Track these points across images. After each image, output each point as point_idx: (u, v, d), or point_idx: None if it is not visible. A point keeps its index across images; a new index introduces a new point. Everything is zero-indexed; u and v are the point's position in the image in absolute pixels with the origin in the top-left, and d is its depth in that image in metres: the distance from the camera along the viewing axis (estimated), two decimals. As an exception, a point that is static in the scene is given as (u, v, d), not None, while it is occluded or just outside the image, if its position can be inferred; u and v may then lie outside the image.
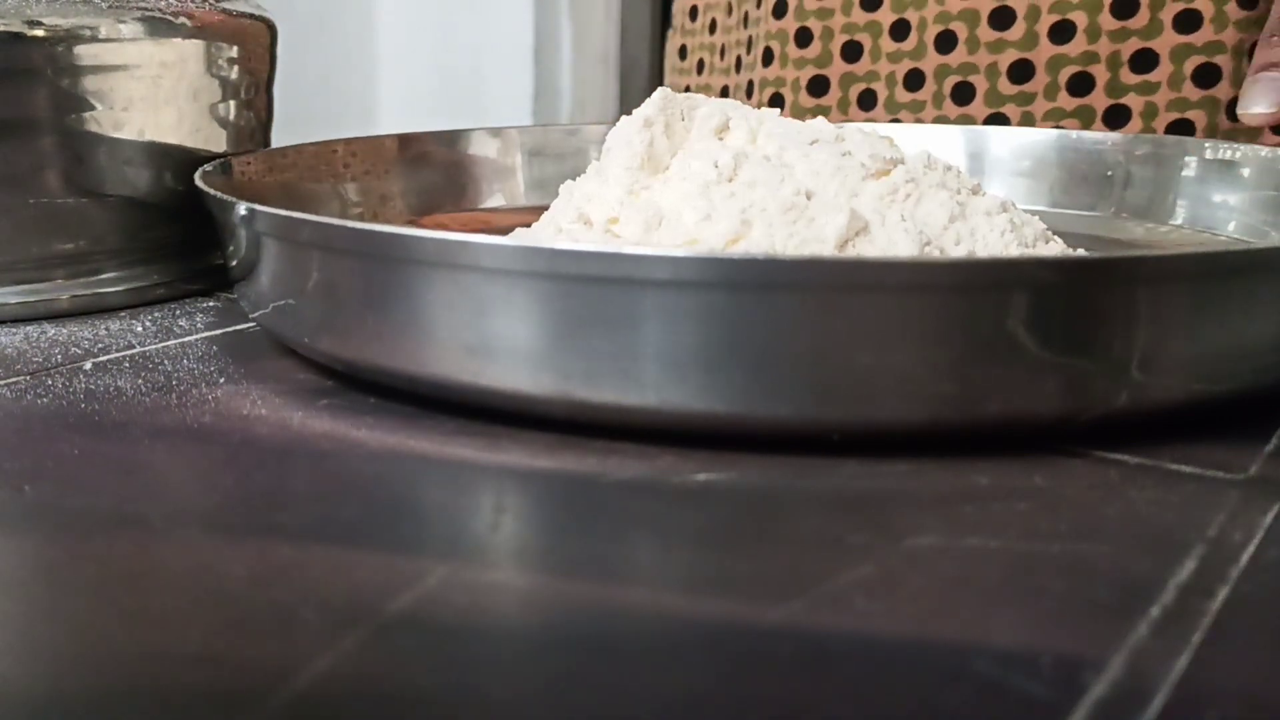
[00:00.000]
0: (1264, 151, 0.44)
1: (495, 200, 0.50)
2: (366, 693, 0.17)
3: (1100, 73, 0.58)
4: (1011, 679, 0.17)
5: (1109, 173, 0.48)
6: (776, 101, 0.67)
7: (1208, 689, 0.17)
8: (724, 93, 0.73)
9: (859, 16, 0.63)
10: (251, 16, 0.42)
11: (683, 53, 0.76)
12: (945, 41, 0.60)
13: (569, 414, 0.27)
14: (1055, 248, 0.34)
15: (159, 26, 0.38)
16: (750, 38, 0.69)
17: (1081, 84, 0.59)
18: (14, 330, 0.36)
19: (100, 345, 0.34)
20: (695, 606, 0.20)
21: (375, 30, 1.28)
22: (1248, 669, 0.18)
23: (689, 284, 0.25)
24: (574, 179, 0.37)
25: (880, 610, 0.20)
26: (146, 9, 0.38)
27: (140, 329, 0.36)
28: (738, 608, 0.20)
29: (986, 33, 0.60)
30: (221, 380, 0.31)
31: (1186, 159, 0.46)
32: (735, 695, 0.17)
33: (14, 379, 0.31)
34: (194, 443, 0.27)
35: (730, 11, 0.72)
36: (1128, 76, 0.58)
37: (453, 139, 0.49)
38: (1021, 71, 0.59)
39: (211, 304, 0.39)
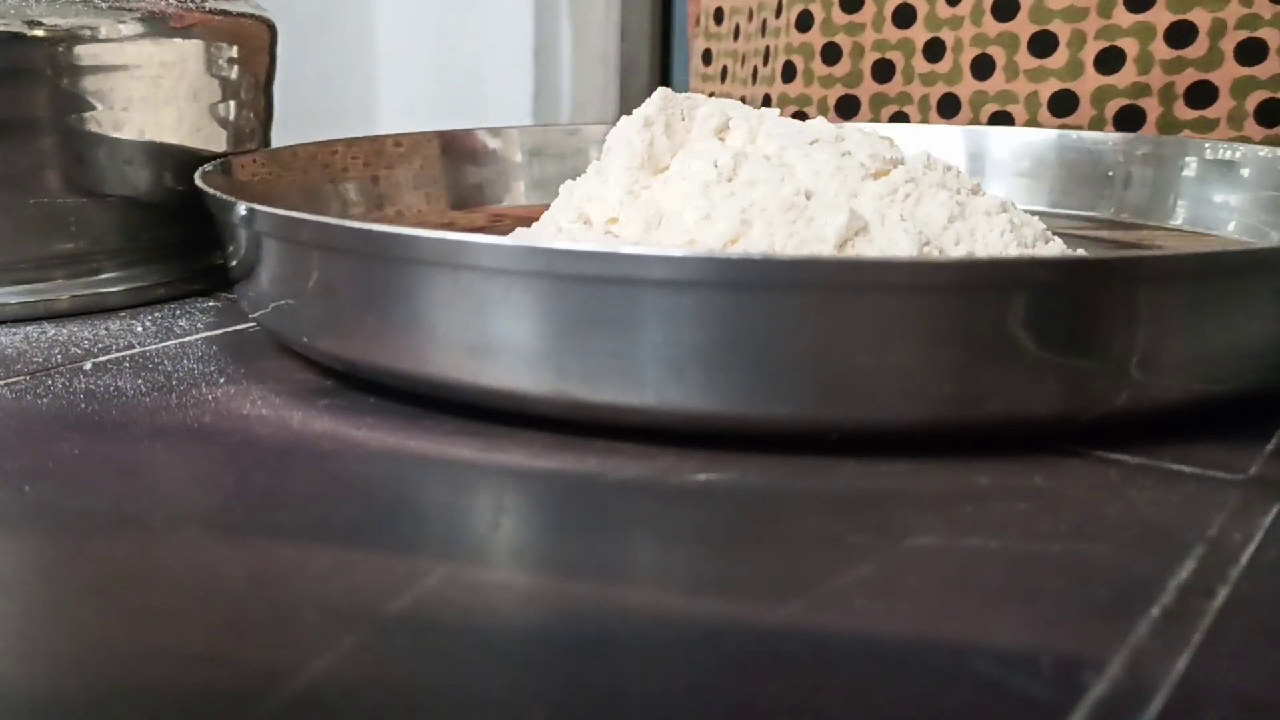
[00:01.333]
0: (1263, 151, 0.44)
1: (495, 200, 0.50)
2: (366, 693, 0.17)
3: (1152, 107, 0.53)
4: (1011, 679, 0.17)
5: (1109, 173, 0.48)
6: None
7: (1208, 689, 0.17)
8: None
9: (891, 33, 0.58)
10: (251, 16, 0.42)
11: (707, 57, 0.70)
12: (982, 67, 0.56)
13: (568, 414, 0.27)
14: (1055, 248, 0.34)
15: (159, 26, 0.38)
16: (768, 48, 0.64)
17: (1130, 119, 0.53)
18: (14, 330, 0.36)
19: (100, 345, 0.34)
20: (695, 606, 0.20)
21: (375, 30, 1.28)
22: (1248, 669, 0.18)
23: (688, 284, 0.25)
24: (574, 179, 0.37)
25: (880, 610, 0.20)
26: (146, 9, 0.38)
27: (140, 329, 0.36)
28: (738, 608, 0.20)
29: (1026, 59, 0.55)
30: (221, 380, 0.31)
31: (1187, 159, 0.46)
32: (735, 695, 0.17)
33: (14, 379, 0.31)
34: (194, 443, 0.27)
35: (751, 18, 0.67)
36: (1182, 111, 0.53)
37: (453, 139, 0.49)
38: (1064, 103, 0.54)
39: (211, 304, 0.39)
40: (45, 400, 0.29)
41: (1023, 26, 0.55)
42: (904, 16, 0.58)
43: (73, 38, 0.36)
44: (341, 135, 0.46)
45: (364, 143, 0.46)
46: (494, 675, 0.18)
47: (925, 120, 0.58)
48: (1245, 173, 0.44)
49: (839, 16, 0.60)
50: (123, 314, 0.38)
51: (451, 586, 0.20)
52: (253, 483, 0.25)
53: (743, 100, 0.67)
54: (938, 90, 0.57)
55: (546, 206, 0.37)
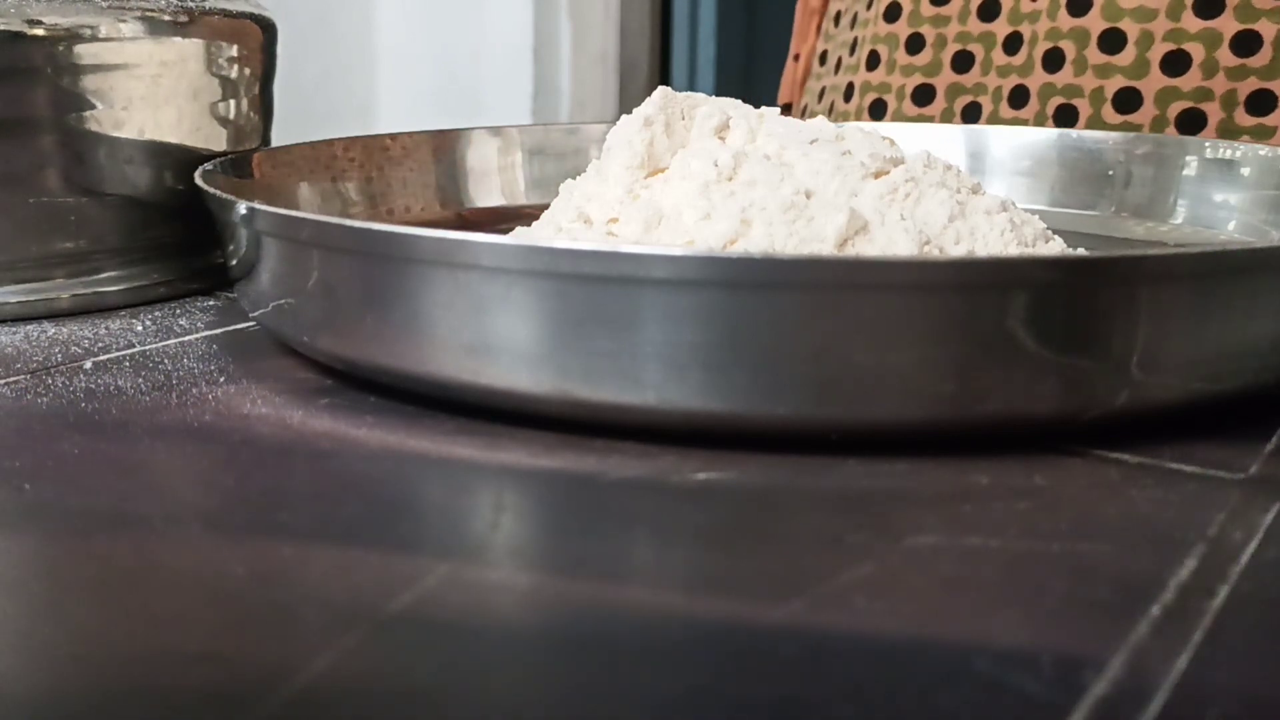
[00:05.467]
0: (1263, 150, 0.44)
1: (495, 200, 0.50)
2: (366, 692, 0.17)
3: (1214, 111, 0.53)
4: (1011, 679, 0.17)
5: (1109, 172, 0.48)
6: (878, 108, 0.63)
7: (1208, 688, 0.17)
8: (820, 94, 0.69)
9: (974, 26, 0.60)
10: (251, 16, 0.42)
11: (823, 58, 0.72)
12: (1053, 60, 0.56)
13: (568, 413, 0.27)
14: (1055, 247, 0.34)
15: (159, 26, 0.38)
16: (855, 39, 0.66)
17: (1191, 122, 0.54)
18: (14, 329, 0.36)
19: (100, 344, 0.34)
20: (695, 606, 0.20)
21: (375, 30, 1.28)
22: (1248, 669, 0.18)
23: (688, 283, 0.25)
24: (574, 178, 0.37)
25: (880, 610, 0.20)
26: (146, 8, 0.38)
27: (140, 328, 0.36)
28: (738, 608, 0.20)
29: (1095, 55, 0.55)
30: (221, 379, 0.31)
31: (1187, 158, 0.46)
32: (735, 695, 0.17)
33: (14, 378, 0.31)
34: (194, 442, 0.27)
35: (848, 12, 0.69)
36: (1243, 118, 0.53)
37: (453, 138, 0.49)
38: (1128, 101, 0.55)
39: (211, 303, 0.39)
40: (45, 399, 0.29)
41: (1094, 22, 0.56)
42: (989, 10, 0.59)
43: (73, 37, 0.36)
44: (341, 135, 0.46)
45: (363, 142, 0.46)
46: (494, 675, 0.18)
47: (997, 111, 0.59)
48: (1245, 172, 0.44)
49: (926, 9, 0.62)
50: (123, 313, 0.38)
51: (451, 586, 0.20)
52: (253, 482, 0.25)
53: (823, 90, 0.68)
54: (1010, 82, 0.58)
55: (546, 206, 0.37)
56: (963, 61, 0.60)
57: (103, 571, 0.21)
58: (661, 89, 0.36)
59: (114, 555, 0.22)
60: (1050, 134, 0.50)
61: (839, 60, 0.68)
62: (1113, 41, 0.55)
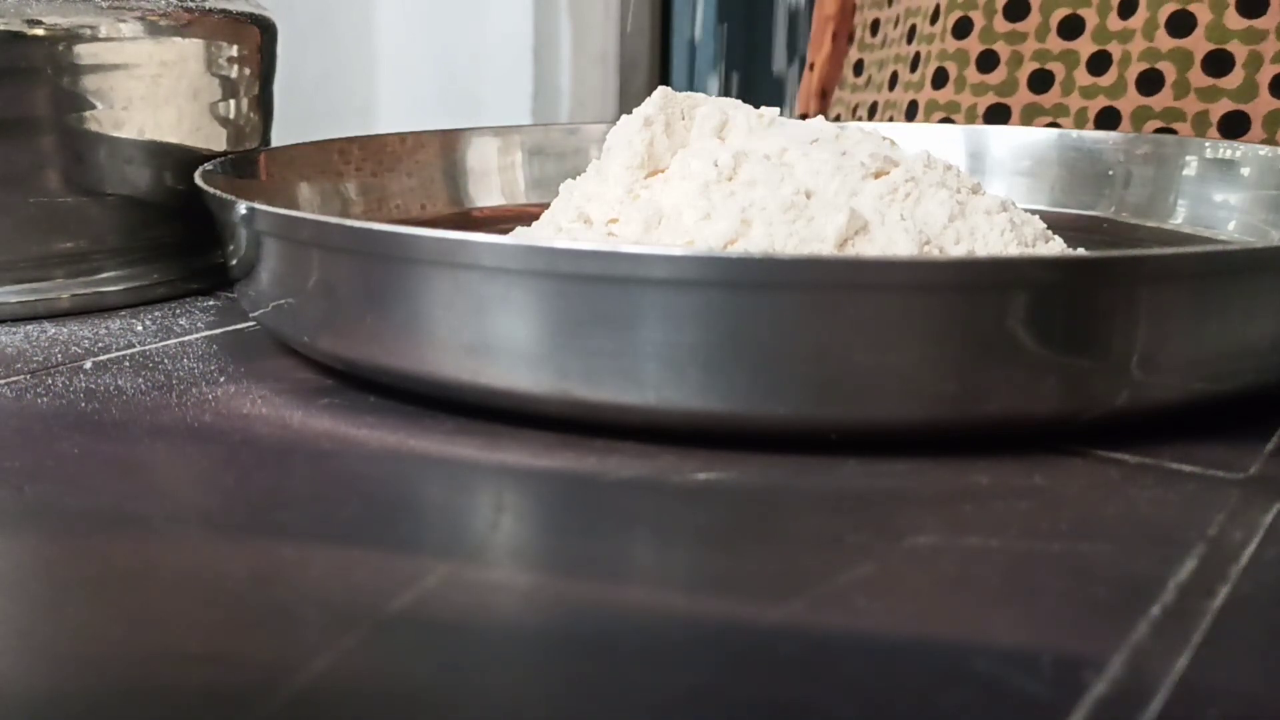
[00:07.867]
0: (1263, 151, 0.44)
1: (495, 199, 0.50)
2: (366, 692, 0.17)
3: None
4: (1011, 679, 0.17)
5: (1109, 172, 0.48)
6: None
7: (1208, 688, 0.17)
8: (871, 110, 0.66)
9: (1054, 44, 0.57)
10: (251, 16, 0.42)
11: (859, 68, 0.69)
12: (1150, 82, 0.54)
13: (568, 413, 0.27)
14: (1055, 247, 0.34)
15: (159, 26, 0.38)
16: (918, 54, 0.63)
17: None
18: (14, 329, 0.36)
19: (100, 344, 0.34)
20: (695, 606, 0.20)
21: (375, 30, 1.28)
22: (1248, 669, 0.18)
23: (688, 283, 0.25)
24: (574, 178, 0.37)
25: (880, 609, 0.20)
26: (146, 8, 0.38)
27: (140, 328, 0.36)
28: (738, 607, 0.20)
29: (1199, 78, 0.53)
30: (222, 379, 0.31)
31: (1187, 158, 0.46)
32: (735, 695, 0.17)
33: (14, 378, 0.31)
34: (194, 442, 0.27)
35: (897, 24, 0.66)
36: None
37: (453, 138, 0.49)
38: (1235, 124, 0.52)
39: (212, 303, 0.39)
40: (45, 399, 0.29)
41: (1198, 44, 0.53)
42: (1071, 27, 0.57)
43: (73, 37, 0.36)
44: (342, 135, 0.46)
45: (364, 142, 0.46)
46: (494, 675, 0.18)
47: None
48: (1245, 172, 0.44)
49: (1000, 24, 0.59)
50: (123, 313, 0.38)
51: (451, 586, 0.20)
52: (253, 483, 0.25)
53: (874, 106, 0.65)
54: (1098, 104, 0.56)
55: (546, 206, 0.37)
56: (1041, 81, 0.58)
57: (103, 571, 0.21)
58: (661, 89, 0.36)
59: (114, 555, 0.22)
60: (1050, 134, 0.50)
61: (893, 74, 0.65)
62: (1219, 64, 0.53)
